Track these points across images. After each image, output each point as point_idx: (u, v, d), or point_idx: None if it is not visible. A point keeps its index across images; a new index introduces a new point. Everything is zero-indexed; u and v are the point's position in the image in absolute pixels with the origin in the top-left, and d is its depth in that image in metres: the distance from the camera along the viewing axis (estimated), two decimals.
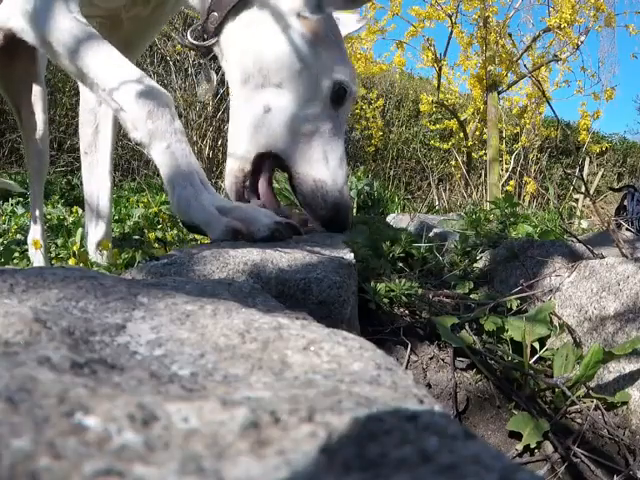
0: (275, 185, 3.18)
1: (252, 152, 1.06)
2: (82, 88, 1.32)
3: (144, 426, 0.23)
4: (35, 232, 1.54)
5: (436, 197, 5.19)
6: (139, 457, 0.21)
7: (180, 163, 0.93)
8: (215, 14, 1.05)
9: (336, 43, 1.07)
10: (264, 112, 1.04)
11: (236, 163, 1.08)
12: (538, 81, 5.09)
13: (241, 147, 1.07)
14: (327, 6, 1.05)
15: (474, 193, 5.61)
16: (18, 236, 1.96)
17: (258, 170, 1.08)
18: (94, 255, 1.29)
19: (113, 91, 0.93)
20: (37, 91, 1.52)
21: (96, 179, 1.31)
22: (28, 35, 1.01)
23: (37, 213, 1.56)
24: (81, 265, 1.20)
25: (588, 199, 1.50)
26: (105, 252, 1.28)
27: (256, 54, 1.03)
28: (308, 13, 1.03)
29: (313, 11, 1.03)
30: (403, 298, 1.16)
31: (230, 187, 1.09)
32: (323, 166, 1.05)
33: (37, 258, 1.47)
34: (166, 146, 0.93)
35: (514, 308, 1.16)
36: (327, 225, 1.11)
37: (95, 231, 1.31)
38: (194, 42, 1.12)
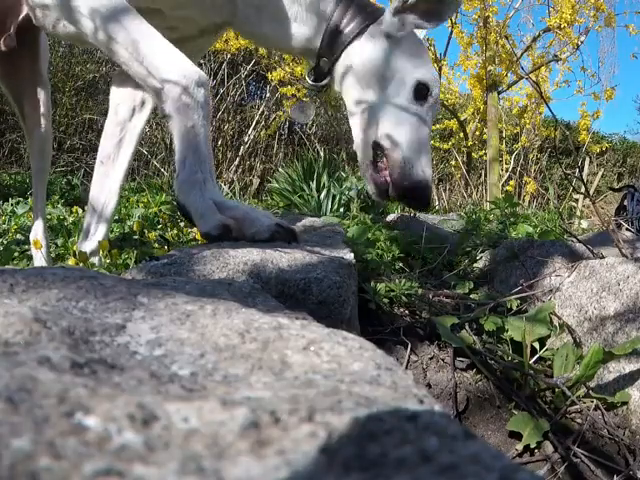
0: (275, 185, 3.18)
1: (368, 143, 1.29)
2: (112, 102, 1.36)
3: (144, 426, 0.23)
4: (37, 231, 1.53)
5: (436, 197, 5.19)
6: (139, 457, 0.21)
7: (199, 146, 0.96)
8: (325, 59, 1.31)
9: (418, 52, 1.34)
10: (366, 111, 1.28)
11: (361, 156, 1.32)
12: (537, 83, 5.08)
13: (358, 141, 1.32)
14: (408, 25, 1.32)
15: (474, 193, 5.61)
16: (18, 236, 1.96)
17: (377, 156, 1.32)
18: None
19: (153, 62, 0.98)
20: (40, 90, 1.52)
21: (107, 191, 1.33)
22: (57, 7, 1.04)
23: (39, 212, 1.55)
24: (81, 265, 1.20)
25: (588, 199, 1.49)
26: (99, 256, 1.28)
27: (360, 72, 1.30)
28: (394, 32, 1.30)
29: (399, 29, 1.30)
30: (403, 298, 1.16)
31: (367, 177, 1.32)
32: (410, 148, 1.26)
33: (38, 257, 1.47)
34: (191, 125, 0.97)
35: (514, 308, 1.16)
36: (410, 201, 1.30)
37: (93, 237, 1.32)
38: (314, 84, 1.37)
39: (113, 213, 1.36)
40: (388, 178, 1.29)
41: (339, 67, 1.33)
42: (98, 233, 1.32)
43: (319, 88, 1.39)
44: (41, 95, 1.52)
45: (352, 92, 1.32)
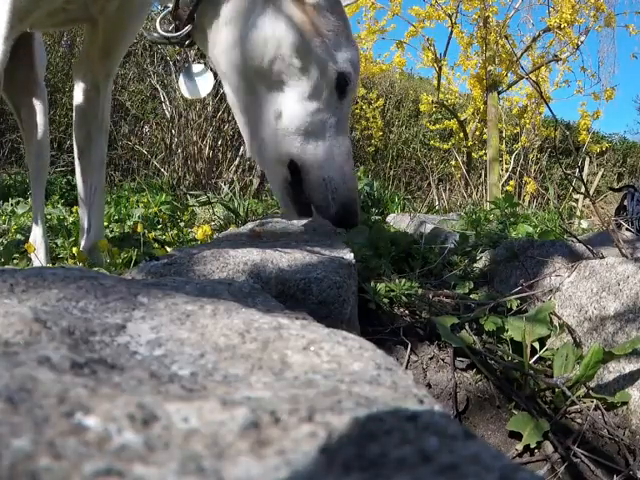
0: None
1: (283, 162, 1.01)
2: (74, 93, 1.32)
3: (144, 426, 0.23)
4: (36, 233, 1.54)
5: (436, 197, 5.18)
6: (139, 457, 0.21)
7: None
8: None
9: (338, 24, 0.96)
10: (275, 119, 0.98)
11: (276, 175, 1.04)
12: (537, 83, 5.09)
13: (269, 157, 1.02)
14: None
15: (474, 193, 5.61)
16: (18, 236, 1.96)
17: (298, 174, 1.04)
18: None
19: None
20: (36, 97, 1.53)
21: (89, 183, 1.33)
22: None
23: (38, 214, 1.56)
24: (80, 265, 1.20)
25: (588, 199, 1.49)
26: (99, 254, 1.29)
27: (248, 50, 0.93)
28: None
29: None
30: (403, 298, 1.16)
31: (283, 200, 1.07)
32: (331, 164, 1.00)
33: (36, 261, 1.47)
34: None
35: (514, 308, 1.16)
36: (338, 223, 1.08)
37: (89, 233, 1.32)
38: (164, 34, 1.00)
39: (101, 206, 1.36)
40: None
41: (205, 17, 0.95)
42: (90, 230, 1.33)
43: (178, 42, 1.01)
44: (37, 102, 1.53)
45: (236, 75, 0.97)
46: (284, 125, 0.98)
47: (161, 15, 1.02)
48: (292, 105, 0.97)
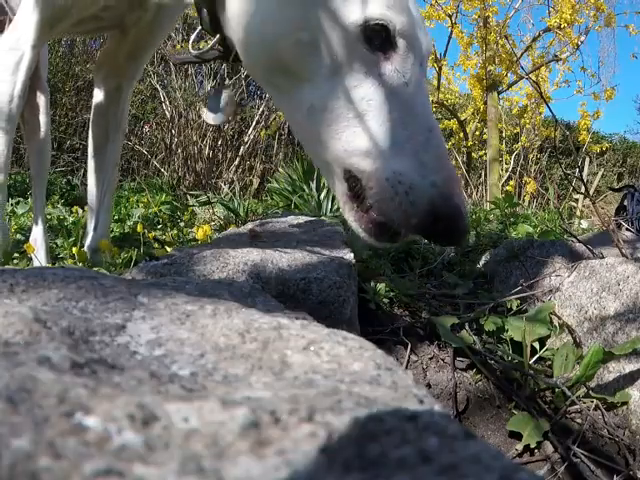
0: (275, 185, 3.18)
1: (335, 173, 0.77)
2: (94, 93, 1.33)
3: (144, 426, 0.23)
4: (37, 233, 1.54)
5: None
6: (139, 457, 0.21)
7: None
8: (204, 10, 0.83)
9: None
10: (309, 116, 0.75)
11: (333, 189, 0.80)
12: (537, 83, 5.09)
13: (323, 169, 0.81)
14: None
15: (474, 193, 5.61)
16: (18, 236, 1.96)
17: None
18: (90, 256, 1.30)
19: None
20: (39, 95, 1.53)
21: (99, 184, 1.34)
22: None
23: (39, 214, 1.55)
24: (80, 265, 1.20)
25: (588, 199, 1.49)
26: (101, 254, 1.29)
27: (258, 37, 0.77)
28: None
29: None
30: (403, 298, 1.16)
31: (351, 220, 0.78)
32: (395, 152, 0.70)
33: (36, 262, 1.47)
34: None
35: (514, 308, 1.16)
36: (435, 239, 0.74)
37: (93, 233, 1.33)
38: (194, 52, 0.89)
39: (109, 206, 1.36)
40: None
41: (226, 15, 0.81)
42: (97, 228, 1.33)
43: (210, 58, 0.89)
44: (40, 100, 1.53)
45: (259, 70, 0.81)
46: (316, 122, 0.74)
47: (193, 36, 0.92)
48: (317, 94, 0.74)
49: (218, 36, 0.85)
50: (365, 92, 0.73)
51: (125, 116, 1.36)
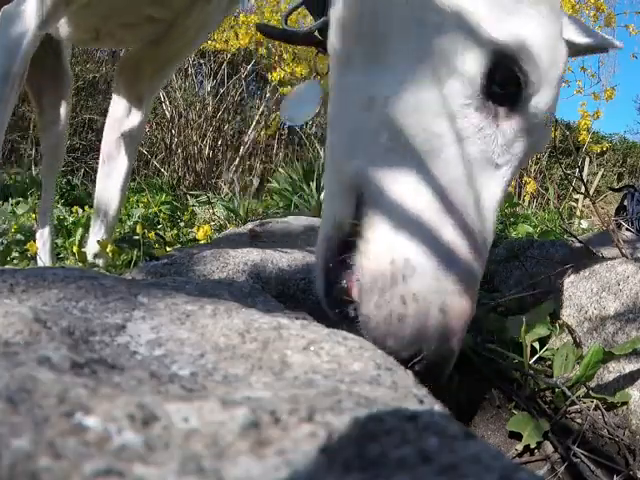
0: (275, 185, 3.18)
1: (347, 191, 0.58)
2: (113, 100, 1.30)
3: (144, 426, 0.23)
4: (43, 230, 1.52)
5: None
6: (139, 457, 0.21)
7: None
8: None
9: None
10: (364, 109, 0.55)
11: (329, 209, 0.63)
12: None
13: (332, 179, 0.61)
14: None
15: None
16: (18, 236, 1.96)
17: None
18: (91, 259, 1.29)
19: None
20: (61, 85, 1.47)
21: (109, 190, 1.31)
22: None
23: (47, 212, 1.52)
24: (80, 265, 1.20)
25: (588, 199, 1.49)
26: (103, 257, 1.28)
27: (346, 23, 0.60)
28: None
29: None
30: None
31: (319, 253, 0.62)
32: (416, 229, 0.51)
33: (39, 261, 1.46)
34: None
35: (514, 308, 1.16)
36: (407, 365, 0.51)
37: (96, 236, 1.31)
38: (297, 29, 0.72)
39: (117, 212, 1.35)
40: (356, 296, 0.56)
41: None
42: (101, 232, 1.32)
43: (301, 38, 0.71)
44: (62, 91, 1.48)
45: (339, 51, 0.61)
46: (363, 119, 0.56)
47: (285, 13, 0.76)
48: (394, 88, 0.54)
49: (322, 17, 0.66)
50: (456, 129, 0.52)
51: (143, 127, 1.33)
